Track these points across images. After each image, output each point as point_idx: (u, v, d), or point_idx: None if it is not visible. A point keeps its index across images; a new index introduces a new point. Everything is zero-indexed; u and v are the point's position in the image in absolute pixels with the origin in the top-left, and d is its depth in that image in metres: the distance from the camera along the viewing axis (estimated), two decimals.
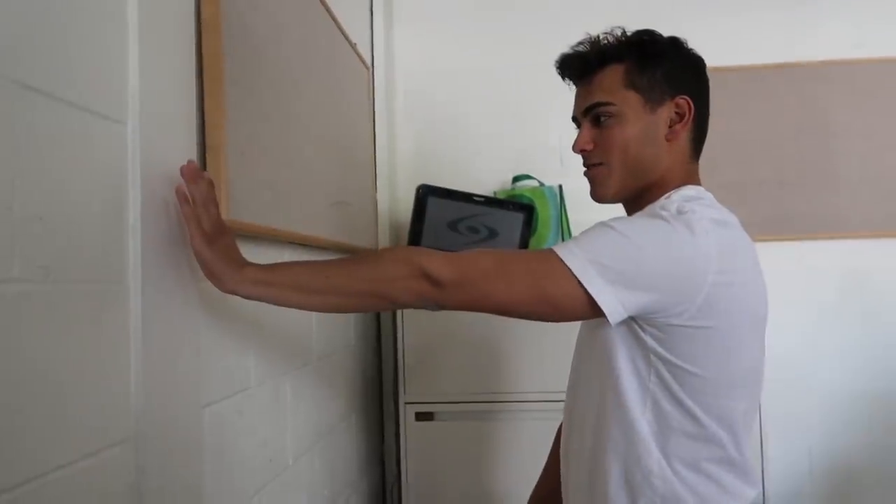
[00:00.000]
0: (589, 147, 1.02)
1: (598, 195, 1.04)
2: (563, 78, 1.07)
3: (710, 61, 2.52)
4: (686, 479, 0.94)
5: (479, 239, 2.01)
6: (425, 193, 2.00)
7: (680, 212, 0.91)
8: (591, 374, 1.01)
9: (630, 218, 0.99)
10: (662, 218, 0.91)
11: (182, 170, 0.90)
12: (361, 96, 2.02)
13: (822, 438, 2.23)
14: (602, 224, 0.92)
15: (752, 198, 2.24)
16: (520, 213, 2.03)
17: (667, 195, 1.00)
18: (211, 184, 0.92)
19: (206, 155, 1.01)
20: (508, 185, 2.24)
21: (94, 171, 0.78)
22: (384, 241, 2.18)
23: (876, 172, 2.24)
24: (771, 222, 2.24)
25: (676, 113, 1.00)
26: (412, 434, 1.91)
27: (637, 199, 1.03)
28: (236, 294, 0.92)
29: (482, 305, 0.92)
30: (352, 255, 0.92)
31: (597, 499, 1.01)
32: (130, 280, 0.83)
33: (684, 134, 1.01)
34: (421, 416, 1.90)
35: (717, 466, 0.95)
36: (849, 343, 2.24)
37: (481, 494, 1.90)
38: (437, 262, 0.89)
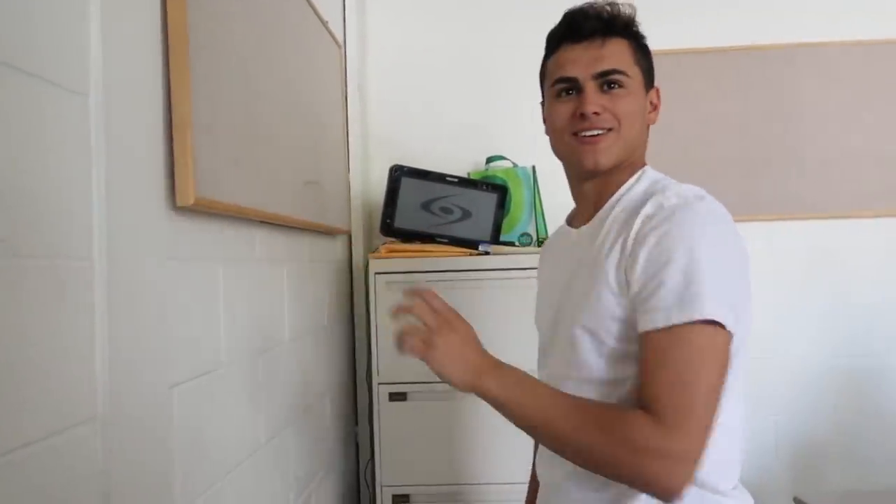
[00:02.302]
0: (600, 111, 0.98)
1: (600, 163, 0.98)
2: (565, 33, 1.01)
3: (683, 43, 2.53)
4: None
5: (452, 220, 2.01)
6: (399, 174, 1.99)
7: (699, 197, 0.92)
8: (590, 356, 0.97)
9: (680, 236, 0.88)
10: (710, 216, 0.91)
11: (405, 292, 0.92)
12: (333, 75, 1.99)
13: (787, 414, 2.28)
14: (680, 263, 0.86)
15: (721, 178, 2.27)
16: (493, 193, 2.04)
17: (632, 178, 1.01)
18: (430, 292, 0.93)
19: (172, 129, 0.98)
20: (482, 166, 2.24)
21: (56, 143, 0.76)
22: (357, 220, 2.16)
23: (842, 154, 2.28)
24: (740, 203, 2.27)
25: (651, 103, 1.05)
26: (385, 414, 1.91)
27: (606, 176, 1.02)
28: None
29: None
30: (590, 406, 0.89)
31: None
32: (95, 256, 0.81)
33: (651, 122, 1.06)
34: (394, 396, 1.91)
35: (724, 425, 0.93)
36: (815, 321, 2.29)
37: (455, 474, 1.91)
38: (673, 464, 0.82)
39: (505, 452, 1.87)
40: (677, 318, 0.83)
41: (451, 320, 0.91)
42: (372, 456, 1.97)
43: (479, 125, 2.31)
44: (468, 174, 2.18)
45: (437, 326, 0.90)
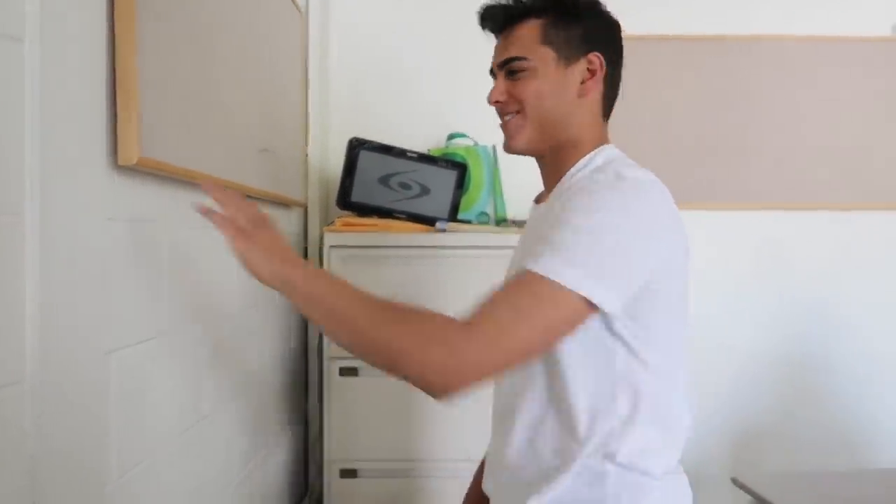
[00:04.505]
0: (503, 99, 1.02)
1: (511, 146, 1.03)
2: (484, 29, 1.06)
3: (644, 29, 2.55)
4: (630, 428, 0.94)
5: (410, 195, 1.99)
6: (358, 147, 1.96)
7: (620, 177, 0.90)
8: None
9: (586, 204, 0.89)
10: (615, 189, 0.89)
11: (202, 186, 0.92)
12: (293, 43, 1.94)
13: (728, 398, 2.35)
14: (569, 225, 0.86)
15: (676, 166, 2.30)
16: (453, 171, 2.02)
17: (588, 156, 1.00)
18: (238, 193, 0.94)
19: (116, 84, 0.94)
20: (443, 143, 2.22)
21: None
22: (314, 193, 2.13)
23: (794, 147, 2.33)
24: (693, 191, 2.31)
25: (588, 69, 1.01)
26: (336, 389, 1.90)
27: (552, 154, 1.02)
28: (272, 288, 0.89)
29: (515, 364, 0.87)
30: (399, 306, 0.86)
31: (527, 448, 1.00)
32: (27, 211, 0.77)
33: (595, 91, 1.02)
34: (345, 371, 1.89)
35: (659, 411, 0.96)
36: (761, 310, 2.35)
37: (403, 450, 1.91)
38: (464, 349, 0.81)
39: (454, 429, 1.87)
40: (539, 269, 0.83)
41: (265, 221, 0.93)
42: (320, 430, 1.96)
43: (442, 102, 2.29)
44: (428, 150, 2.16)
45: (252, 222, 0.91)
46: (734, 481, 1.66)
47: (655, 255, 0.89)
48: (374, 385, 1.89)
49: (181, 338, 1.21)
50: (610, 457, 0.93)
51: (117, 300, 0.98)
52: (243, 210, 0.92)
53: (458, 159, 2.07)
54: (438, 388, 0.82)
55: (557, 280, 0.82)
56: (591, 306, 0.84)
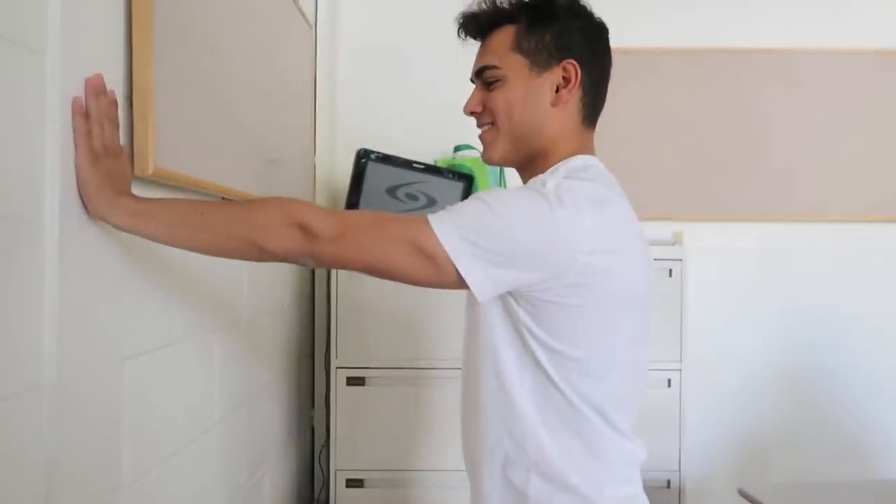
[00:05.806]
0: (478, 109, 1.01)
1: (487, 157, 1.03)
2: (465, 38, 1.04)
3: (648, 43, 2.57)
4: (559, 447, 0.95)
5: (417, 206, 2.00)
6: (365, 158, 1.98)
7: (558, 189, 0.89)
8: (475, 342, 1.00)
9: (507, 192, 0.94)
10: (539, 194, 0.89)
11: (87, 83, 0.84)
12: (302, 55, 1.97)
13: (734, 409, 2.35)
14: (477, 198, 0.90)
15: (682, 178, 2.30)
16: (459, 182, 2.04)
17: (554, 166, 0.98)
18: (114, 103, 0.87)
19: (133, 95, 0.96)
20: (450, 154, 2.24)
21: (8, 101, 0.73)
22: (321, 203, 2.15)
23: (799, 159, 2.34)
24: (698, 203, 2.31)
25: (564, 78, 0.98)
26: (343, 399, 1.90)
27: (529, 164, 1.01)
28: (106, 221, 0.86)
29: (356, 261, 0.90)
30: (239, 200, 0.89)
31: (475, 465, 1.03)
32: (46, 220, 0.79)
33: (572, 100, 0.99)
34: (352, 381, 1.90)
35: (591, 438, 0.95)
36: (766, 321, 2.35)
37: (410, 460, 1.91)
38: (315, 215, 0.87)
39: (461, 440, 1.87)
40: (430, 217, 0.88)
41: (118, 151, 0.89)
42: (327, 440, 1.96)
43: (449, 113, 2.29)
44: (435, 162, 2.18)
45: (106, 148, 0.86)
46: (741, 492, 1.67)
47: (552, 268, 0.88)
48: (381, 395, 1.90)
49: (193, 346, 1.22)
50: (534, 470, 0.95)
51: (133, 308, 0.99)
52: (104, 129, 0.86)
53: (465, 170, 2.08)
54: (280, 258, 0.89)
55: (430, 221, 0.87)
56: (453, 267, 0.86)
